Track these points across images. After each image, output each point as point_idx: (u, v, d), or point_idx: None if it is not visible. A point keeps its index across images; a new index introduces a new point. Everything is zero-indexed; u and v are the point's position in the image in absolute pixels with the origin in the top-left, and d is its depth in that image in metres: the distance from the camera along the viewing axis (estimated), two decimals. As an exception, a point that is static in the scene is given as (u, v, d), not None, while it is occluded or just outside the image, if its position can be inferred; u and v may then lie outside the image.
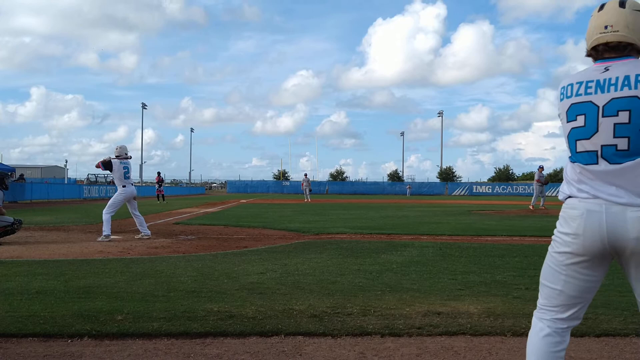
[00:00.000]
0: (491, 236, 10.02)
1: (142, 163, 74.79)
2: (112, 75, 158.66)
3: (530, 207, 21.38)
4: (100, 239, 9.01)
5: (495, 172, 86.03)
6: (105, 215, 9.24)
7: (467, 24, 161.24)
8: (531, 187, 55.59)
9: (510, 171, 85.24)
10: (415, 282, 5.23)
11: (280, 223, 13.09)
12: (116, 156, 9.78)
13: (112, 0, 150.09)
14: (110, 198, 9.91)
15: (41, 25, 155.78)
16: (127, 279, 5.27)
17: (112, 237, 9.19)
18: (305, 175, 37.64)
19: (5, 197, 9.13)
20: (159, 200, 30.70)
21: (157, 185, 34.15)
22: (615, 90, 1.94)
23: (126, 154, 9.92)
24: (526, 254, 7.25)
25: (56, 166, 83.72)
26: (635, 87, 1.90)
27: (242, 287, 4.92)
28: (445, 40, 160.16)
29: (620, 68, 1.97)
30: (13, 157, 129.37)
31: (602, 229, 1.93)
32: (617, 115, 1.93)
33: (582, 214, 1.97)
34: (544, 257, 2.16)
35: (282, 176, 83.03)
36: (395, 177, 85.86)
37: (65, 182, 57.16)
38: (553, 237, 2.11)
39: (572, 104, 2.06)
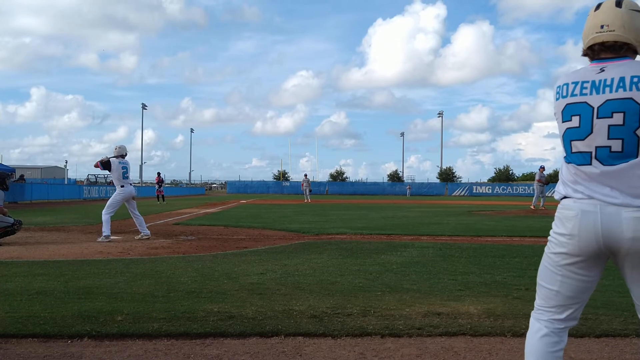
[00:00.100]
0: (491, 237, 10.03)
1: (142, 163, 74.91)
2: (112, 76, 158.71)
3: (532, 207, 21.37)
4: (100, 239, 9.01)
5: (495, 173, 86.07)
6: (105, 215, 9.24)
7: (467, 24, 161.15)
8: (531, 187, 55.77)
9: (510, 172, 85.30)
10: (415, 283, 5.23)
11: (280, 223, 13.09)
12: (115, 156, 9.78)
13: (112, 0, 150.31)
14: (109, 198, 9.91)
15: (41, 25, 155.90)
16: (127, 280, 5.27)
17: (112, 237, 9.19)
18: (305, 175, 37.67)
19: (5, 198, 9.12)
20: (158, 200, 30.70)
21: (157, 186, 34.13)
22: (610, 91, 1.94)
23: (124, 154, 9.92)
24: (526, 255, 7.25)
25: (56, 167, 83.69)
26: (630, 89, 1.91)
27: (242, 287, 4.92)
28: (445, 41, 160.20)
29: (615, 69, 1.97)
30: (13, 157, 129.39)
31: (597, 229, 1.93)
32: (611, 116, 1.93)
33: (577, 214, 1.98)
34: (544, 258, 2.16)
35: (282, 177, 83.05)
36: (395, 177, 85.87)
37: (65, 182, 57.13)
38: (549, 237, 2.12)
39: (567, 104, 2.06)
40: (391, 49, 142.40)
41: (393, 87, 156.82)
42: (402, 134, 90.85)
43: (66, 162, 75.66)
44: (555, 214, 2.09)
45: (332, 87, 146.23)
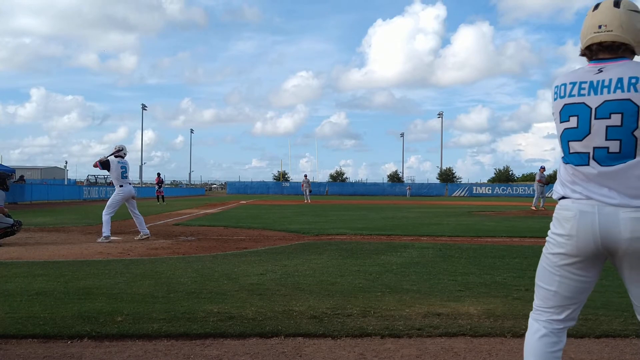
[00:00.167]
0: (491, 237, 10.03)
1: (142, 164, 74.90)
2: (112, 76, 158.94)
3: (533, 207, 21.35)
4: (100, 240, 9.01)
5: (495, 173, 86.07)
6: (105, 216, 9.23)
7: (467, 24, 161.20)
8: (531, 188, 55.82)
9: (510, 172, 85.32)
10: (415, 283, 5.23)
11: (280, 224, 13.09)
12: (113, 153, 9.77)
13: (112, 0, 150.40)
14: (109, 199, 9.90)
15: (41, 25, 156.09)
16: (127, 280, 5.26)
17: (111, 238, 9.19)
18: (305, 176, 37.67)
19: (6, 198, 9.12)
20: (158, 201, 30.68)
21: (157, 187, 34.12)
22: (609, 92, 1.95)
23: (124, 154, 9.91)
24: (526, 255, 7.25)
25: (56, 167, 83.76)
26: (628, 90, 1.91)
27: (242, 288, 4.92)
28: (445, 41, 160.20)
29: (613, 70, 1.97)
30: (13, 158, 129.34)
31: (595, 229, 1.93)
32: (609, 117, 1.94)
33: (575, 215, 1.98)
34: (543, 258, 2.16)
35: (282, 177, 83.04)
36: (395, 178, 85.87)
37: (65, 183, 57.16)
38: (547, 238, 2.12)
39: (565, 104, 2.06)
40: (391, 50, 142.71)
41: (393, 88, 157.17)
42: (402, 135, 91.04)
43: (66, 163, 75.83)
44: (553, 214, 2.09)
45: (332, 87, 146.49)
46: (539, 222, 14.03)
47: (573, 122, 2.03)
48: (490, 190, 68.70)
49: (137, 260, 6.86)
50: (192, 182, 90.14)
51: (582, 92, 2.01)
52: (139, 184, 63.91)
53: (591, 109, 1.98)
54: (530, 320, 2.17)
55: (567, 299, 2.06)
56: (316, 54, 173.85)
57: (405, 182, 79.78)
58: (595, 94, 1.98)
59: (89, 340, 3.38)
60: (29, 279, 5.32)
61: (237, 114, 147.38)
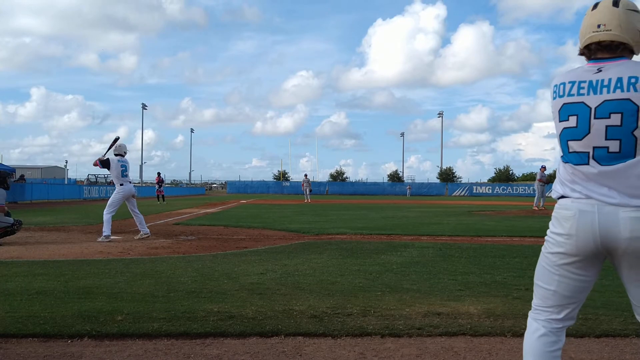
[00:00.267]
0: (491, 237, 10.03)
1: (142, 163, 74.92)
2: (112, 76, 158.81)
3: (535, 207, 21.28)
4: (100, 239, 9.01)
5: (495, 173, 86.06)
6: (106, 215, 9.23)
7: (467, 24, 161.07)
8: (531, 187, 55.78)
9: (510, 172, 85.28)
10: (415, 283, 5.23)
11: (280, 223, 13.09)
12: (114, 154, 9.77)
13: (112, 0, 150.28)
14: (110, 198, 9.90)
15: (41, 25, 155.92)
16: (127, 280, 5.27)
17: (112, 237, 9.19)
18: (306, 175, 37.72)
19: (6, 197, 9.12)
20: (159, 200, 30.70)
21: (157, 186, 34.14)
22: (608, 92, 1.94)
23: (124, 152, 9.91)
24: (526, 255, 7.25)
25: (56, 167, 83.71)
26: (628, 90, 1.90)
27: (242, 287, 4.92)
28: (445, 41, 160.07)
29: (613, 69, 1.97)
30: (13, 157, 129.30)
31: (594, 229, 1.93)
32: (609, 117, 1.93)
33: (575, 214, 1.98)
34: (543, 258, 2.16)
35: (282, 177, 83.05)
36: (395, 177, 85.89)
37: (66, 182, 57.14)
38: (546, 237, 2.12)
39: (564, 103, 2.06)
40: (391, 49, 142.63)
41: (393, 88, 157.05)
42: (402, 134, 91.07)
43: (66, 162, 75.58)
44: (552, 214, 2.09)
45: (332, 87, 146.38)
46: (539, 222, 14.03)
47: (572, 121, 2.03)
48: (490, 190, 68.69)
49: (138, 259, 6.86)
50: (192, 182, 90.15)
51: (582, 91, 2.01)
52: (139, 183, 63.90)
53: (591, 108, 1.98)
54: (529, 320, 2.17)
55: (566, 298, 2.06)
56: (316, 54, 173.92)
57: (406, 181, 79.75)
58: (595, 93, 1.97)
59: (89, 340, 3.38)
60: (29, 278, 5.32)
61: (237, 114, 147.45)
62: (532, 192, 50.06)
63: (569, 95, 2.04)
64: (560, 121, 2.08)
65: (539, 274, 2.13)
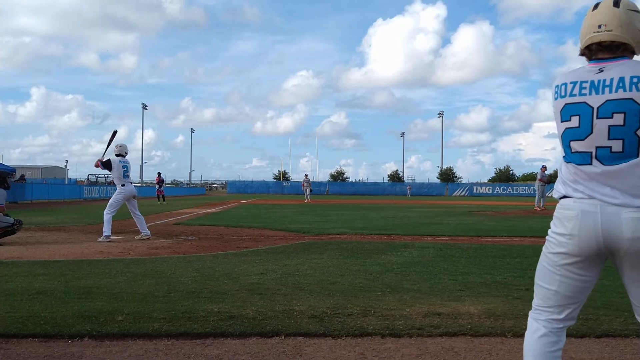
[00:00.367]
0: (492, 237, 10.02)
1: (142, 163, 74.97)
2: (112, 76, 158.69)
3: (536, 208, 21.26)
4: (100, 239, 9.01)
5: (495, 173, 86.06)
6: (107, 215, 9.24)
7: (467, 24, 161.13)
8: (531, 187, 55.73)
9: (511, 172, 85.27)
10: (415, 283, 5.23)
11: (280, 224, 13.09)
12: (115, 155, 9.78)
13: (112, 0, 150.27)
14: (110, 198, 9.91)
15: (41, 25, 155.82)
16: (128, 280, 5.27)
17: (112, 237, 9.19)
18: (306, 175, 37.77)
19: (7, 197, 9.13)
20: (159, 200, 30.70)
21: (157, 186, 34.14)
22: (610, 92, 1.94)
23: (125, 153, 9.92)
24: (527, 255, 7.25)
25: (56, 166, 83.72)
26: (630, 90, 1.90)
27: (242, 287, 4.92)
28: (445, 41, 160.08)
29: (614, 69, 1.97)
30: (13, 157, 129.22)
31: (597, 229, 1.93)
32: (611, 117, 1.93)
33: (577, 214, 1.97)
34: (544, 258, 2.16)
35: (282, 177, 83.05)
36: (395, 177, 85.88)
37: (66, 182, 57.15)
38: (547, 237, 2.11)
39: (566, 104, 2.06)
40: (391, 49, 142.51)
41: (393, 87, 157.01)
42: (403, 134, 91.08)
43: (66, 162, 75.63)
44: (554, 214, 2.09)
45: (332, 87, 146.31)
46: (539, 222, 14.03)
47: (574, 121, 2.02)
48: (490, 190, 68.68)
49: (138, 259, 6.86)
50: (193, 182, 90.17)
51: (583, 91, 2.01)
52: (139, 183, 63.92)
53: (593, 108, 1.98)
54: (529, 320, 2.17)
55: (567, 299, 2.06)
56: (316, 54, 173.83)
57: (406, 181, 79.76)
58: (597, 93, 1.97)
59: (89, 340, 3.38)
60: (29, 278, 5.32)
61: (238, 114, 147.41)
62: (532, 192, 50.08)
63: (571, 95, 2.04)
64: (562, 121, 2.08)
65: (540, 274, 2.13)
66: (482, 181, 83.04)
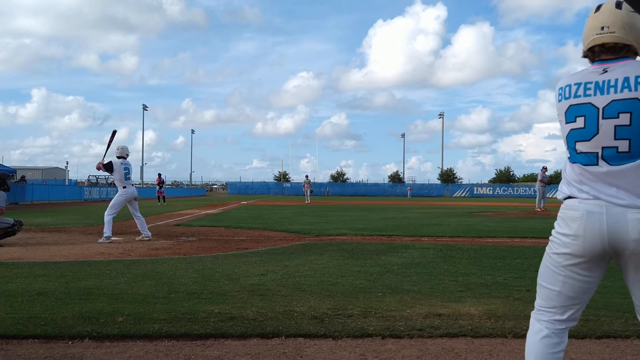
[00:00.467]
0: (492, 238, 10.02)
1: (142, 164, 75.03)
2: (112, 77, 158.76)
3: (537, 209, 21.23)
4: (101, 240, 9.01)
5: (496, 174, 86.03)
6: (107, 216, 9.24)
7: (468, 25, 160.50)
8: (532, 188, 55.75)
9: (511, 173, 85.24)
10: (416, 284, 5.23)
11: (281, 224, 13.09)
12: (117, 157, 9.79)
13: (113, 1, 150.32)
14: (110, 199, 9.91)
15: (41, 26, 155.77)
16: (128, 281, 5.27)
17: (112, 238, 9.20)
18: (307, 176, 37.86)
19: (7, 199, 9.13)
20: (159, 201, 30.69)
21: (157, 187, 34.14)
22: (615, 92, 1.94)
23: (126, 154, 9.93)
24: (527, 256, 7.25)
25: (57, 167, 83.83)
26: (636, 89, 1.90)
27: (242, 288, 4.92)
28: (446, 42, 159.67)
29: (619, 70, 1.97)
30: (14, 158, 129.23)
31: (602, 230, 1.93)
32: (617, 117, 1.93)
33: (583, 215, 1.97)
34: (545, 259, 2.16)
35: (282, 178, 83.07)
36: (396, 178, 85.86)
37: (66, 183, 57.22)
38: (551, 238, 2.11)
39: (570, 105, 2.06)
40: (391, 50, 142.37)
41: (393, 88, 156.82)
42: (403, 135, 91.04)
43: (67, 163, 75.94)
44: (558, 214, 2.08)
45: (332, 88, 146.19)
46: (540, 223, 14.03)
47: (580, 122, 2.02)
48: (491, 191, 68.65)
49: (138, 260, 6.86)
50: (193, 183, 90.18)
51: (588, 92, 2.01)
52: (140, 184, 63.93)
53: (598, 109, 1.97)
54: (531, 320, 2.16)
55: (570, 299, 2.05)
56: (316, 55, 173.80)
57: (406, 182, 79.75)
58: (602, 93, 1.97)
59: (90, 341, 3.38)
60: (30, 279, 5.32)
61: (238, 115, 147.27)
62: (532, 193, 50.10)
63: (575, 96, 2.04)
64: (566, 123, 2.07)
65: (543, 274, 2.12)
66: (482, 182, 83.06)
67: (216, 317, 3.86)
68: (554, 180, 39.85)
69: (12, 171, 26.32)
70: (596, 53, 2.07)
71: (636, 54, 2.04)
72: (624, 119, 1.92)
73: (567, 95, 2.07)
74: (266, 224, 13.42)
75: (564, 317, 2.08)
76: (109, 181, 49.96)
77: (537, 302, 2.15)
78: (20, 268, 6.08)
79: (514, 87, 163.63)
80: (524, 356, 2.16)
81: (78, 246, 8.43)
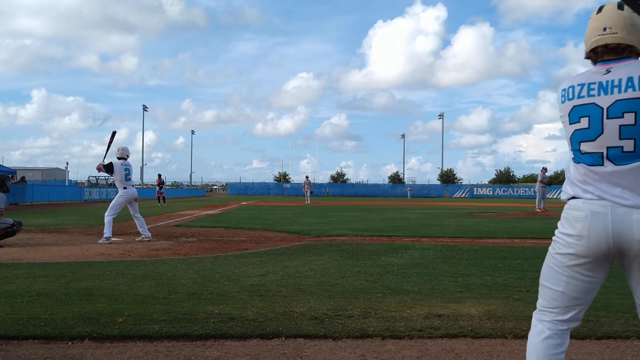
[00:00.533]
0: (492, 238, 10.02)
1: (142, 165, 75.01)
2: (112, 77, 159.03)
3: (537, 209, 21.23)
4: (101, 241, 9.01)
5: (496, 174, 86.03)
6: (107, 217, 9.25)
7: (468, 26, 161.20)
8: (532, 189, 55.74)
9: (511, 173, 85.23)
10: (416, 285, 5.23)
11: (281, 225, 13.09)
12: (117, 158, 9.80)
13: (113, 2, 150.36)
14: (111, 200, 9.91)
15: (42, 27, 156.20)
16: (128, 281, 5.27)
17: (112, 239, 9.20)
18: (307, 177, 37.87)
19: (6, 200, 9.12)
20: (159, 202, 30.69)
21: (157, 188, 34.13)
22: (619, 92, 1.94)
23: (127, 155, 9.94)
24: (527, 256, 7.25)
25: (57, 168, 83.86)
26: None
27: (242, 289, 4.92)
28: (446, 43, 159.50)
29: (622, 69, 1.97)
30: (14, 159, 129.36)
31: (607, 230, 1.92)
32: (622, 117, 1.93)
33: (587, 215, 1.97)
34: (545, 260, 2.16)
35: (282, 178, 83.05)
36: (396, 179, 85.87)
37: (66, 184, 57.22)
38: (554, 238, 2.10)
39: (574, 106, 2.06)
40: (391, 51, 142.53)
41: (393, 89, 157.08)
42: (403, 136, 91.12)
43: (67, 164, 75.96)
44: (562, 214, 2.08)
45: (332, 88, 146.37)
46: (540, 224, 14.03)
47: (584, 122, 2.02)
48: (491, 192, 68.64)
49: (138, 261, 6.86)
50: (193, 183, 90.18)
51: (592, 92, 2.01)
52: (140, 185, 63.91)
53: (602, 109, 1.97)
54: (533, 321, 2.16)
55: (573, 300, 2.05)
56: (316, 55, 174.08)
57: (406, 183, 79.74)
58: (606, 94, 1.97)
59: (89, 341, 3.38)
60: (29, 280, 5.32)
61: (238, 115, 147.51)
62: (532, 194, 50.04)
63: (579, 97, 2.04)
64: (570, 124, 2.07)
65: (546, 274, 2.12)
66: (482, 183, 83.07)
67: (216, 317, 3.86)
68: (554, 180, 39.83)
69: (12, 172, 26.32)
70: (599, 54, 2.07)
71: (638, 54, 2.04)
72: (629, 118, 1.92)
73: (570, 96, 2.07)
74: (266, 224, 13.42)
75: (566, 317, 2.07)
76: (109, 182, 49.92)
77: (540, 303, 2.15)
78: (20, 269, 6.08)
79: (514, 87, 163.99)
80: (524, 357, 2.16)
81: (78, 247, 8.43)
